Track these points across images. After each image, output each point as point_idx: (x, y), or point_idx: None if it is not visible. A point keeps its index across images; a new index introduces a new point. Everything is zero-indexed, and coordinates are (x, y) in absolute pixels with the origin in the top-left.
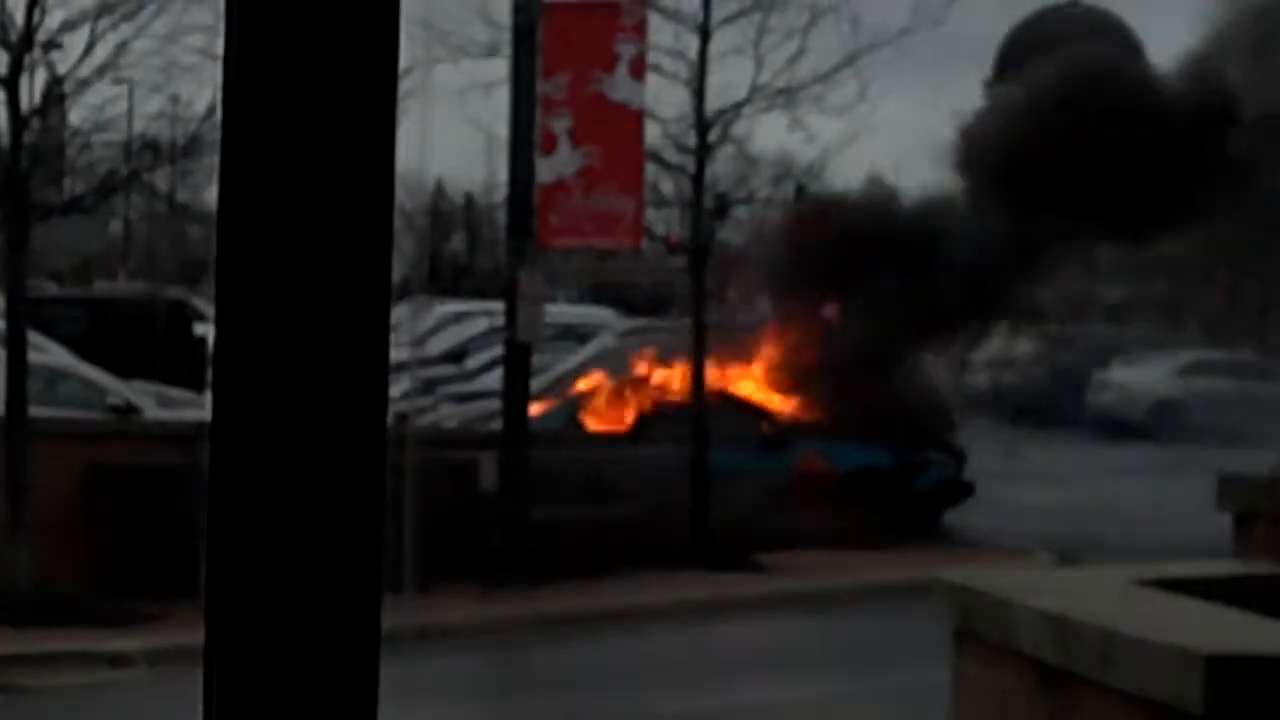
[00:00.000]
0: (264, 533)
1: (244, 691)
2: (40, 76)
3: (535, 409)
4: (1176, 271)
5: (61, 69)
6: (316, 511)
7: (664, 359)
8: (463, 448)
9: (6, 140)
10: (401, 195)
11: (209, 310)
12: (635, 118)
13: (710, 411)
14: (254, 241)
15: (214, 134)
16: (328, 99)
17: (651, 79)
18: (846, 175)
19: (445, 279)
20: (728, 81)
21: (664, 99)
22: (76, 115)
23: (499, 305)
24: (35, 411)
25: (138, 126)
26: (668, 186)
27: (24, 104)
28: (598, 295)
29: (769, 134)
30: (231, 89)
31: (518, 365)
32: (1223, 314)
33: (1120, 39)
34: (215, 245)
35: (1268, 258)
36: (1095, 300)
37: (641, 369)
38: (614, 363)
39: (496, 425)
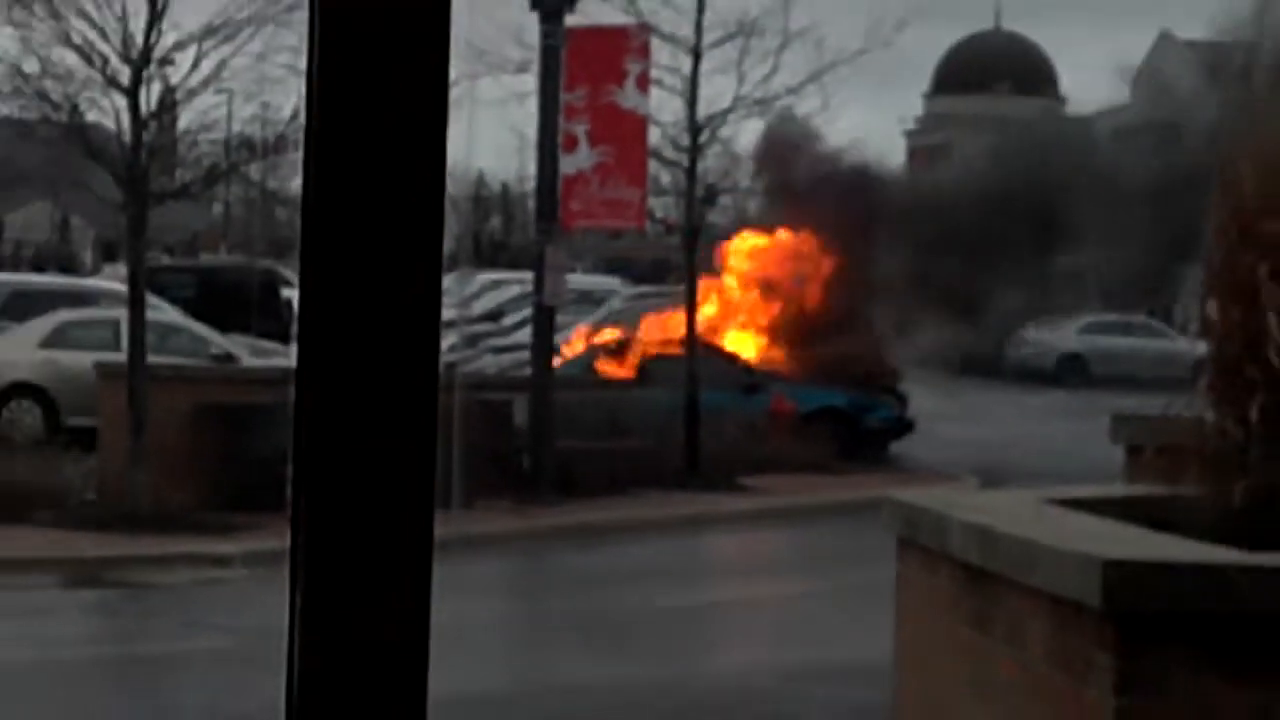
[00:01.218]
0: (338, 459)
1: (321, 587)
2: (156, 87)
3: (558, 359)
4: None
5: (174, 81)
6: (380, 442)
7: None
8: (500, 391)
9: (129, 139)
10: (450, 185)
11: (293, 278)
12: (640, 123)
13: (700, 361)
14: (332, 222)
15: (298, 134)
16: (391, 106)
17: (654, 91)
18: None
19: (485, 253)
20: (715, 93)
21: (664, 107)
22: (185, 119)
23: (529, 274)
24: (151, 359)
25: (235, 128)
26: (666, 178)
27: (143, 110)
28: (609, 267)
29: (749, 136)
30: (314, 98)
31: (544, 323)
32: (1119, 285)
33: (1035, 62)
34: (300, 225)
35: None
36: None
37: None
38: (623, 321)
39: (527, 372)
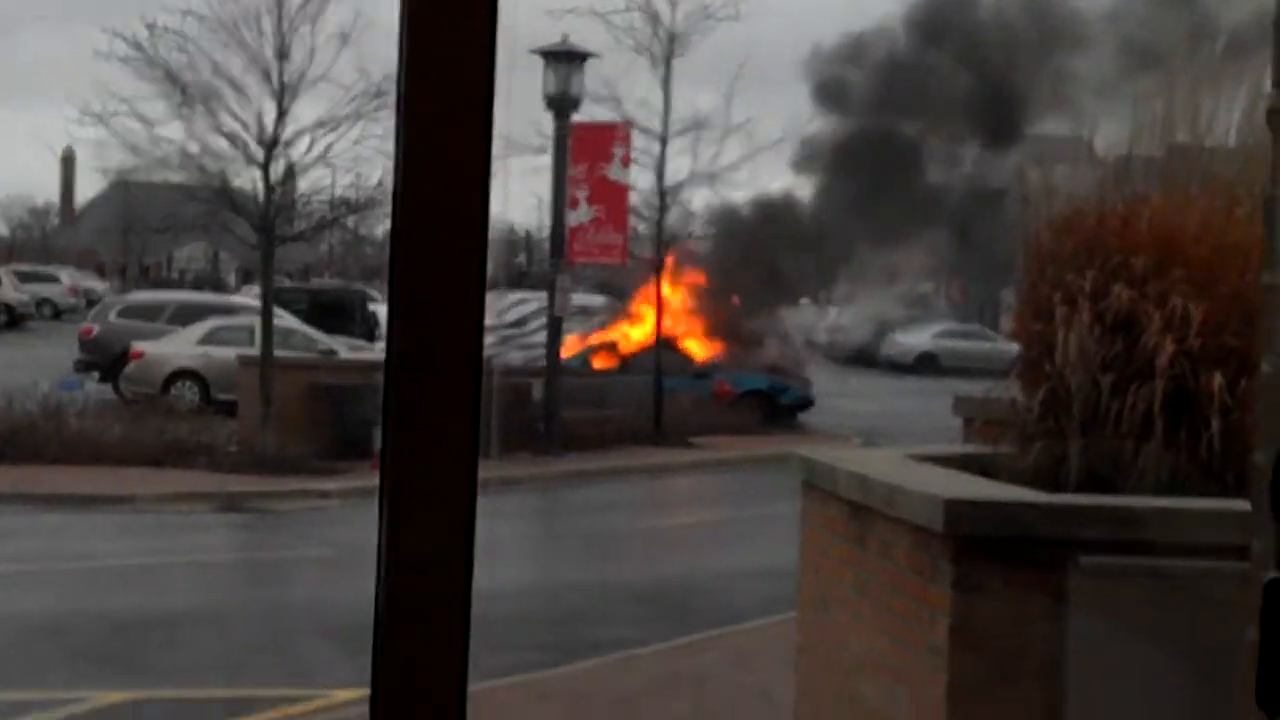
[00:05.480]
0: (411, 420)
1: (398, 511)
2: (282, 163)
3: (564, 353)
4: (934, 276)
5: (294, 159)
6: (440, 410)
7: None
8: (523, 376)
9: (262, 199)
10: (489, 232)
11: (378, 296)
12: (624, 190)
13: (663, 355)
14: (408, 257)
15: (381, 196)
16: (448, 177)
17: (633, 167)
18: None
19: (514, 279)
20: (676, 169)
21: (640, 179)
22: (302, 185)
23: (545, 294)
24: (276, 353)
25: (337, 191)
26: (642, 228)
27: (272, 178)
28: (601, 289)
29: (700, 199)
30: (399, 172)
31: (554, 329)
32: (961, 303)
33: (902, 143)
34: (389, 259)
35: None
36: (886, 291)
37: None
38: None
39: (542, 363)
